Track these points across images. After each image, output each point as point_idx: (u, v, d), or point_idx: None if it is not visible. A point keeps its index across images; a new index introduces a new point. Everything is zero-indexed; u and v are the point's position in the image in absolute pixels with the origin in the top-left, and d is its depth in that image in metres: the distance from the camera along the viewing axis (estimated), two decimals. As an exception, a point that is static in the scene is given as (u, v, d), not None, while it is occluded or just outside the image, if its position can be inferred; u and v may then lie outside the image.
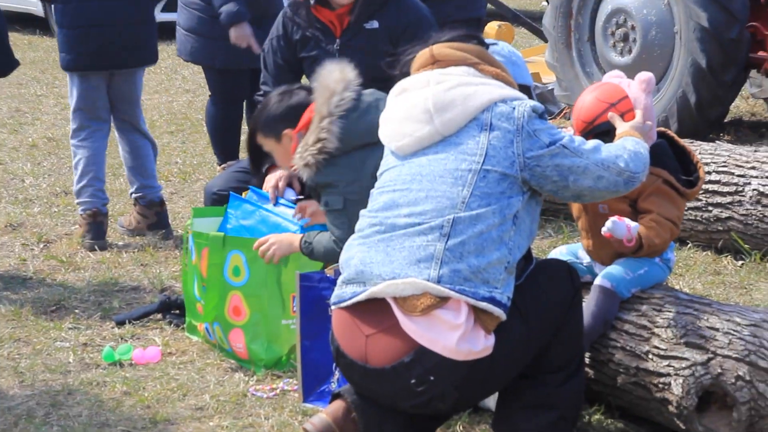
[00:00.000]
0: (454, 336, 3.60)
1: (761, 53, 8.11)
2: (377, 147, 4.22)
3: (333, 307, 3.83)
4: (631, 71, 4.78)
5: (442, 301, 3.61)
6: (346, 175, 4.52)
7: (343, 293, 3.78)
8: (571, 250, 4.71)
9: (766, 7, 8.05)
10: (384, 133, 3.92)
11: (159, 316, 5.49)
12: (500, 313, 3.65)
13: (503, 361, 3.69)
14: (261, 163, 5.02)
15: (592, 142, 3.91)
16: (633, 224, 4.32)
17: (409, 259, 3.65)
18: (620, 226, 4.29)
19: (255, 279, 4.90)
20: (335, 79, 4.55)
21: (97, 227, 6.61)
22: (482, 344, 3.63)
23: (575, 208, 4.57)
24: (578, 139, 3.88)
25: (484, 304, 3.61)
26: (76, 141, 6.84)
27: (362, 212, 3.88)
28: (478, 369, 3.65)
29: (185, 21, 7.40)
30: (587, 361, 4.39)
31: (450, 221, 3.66)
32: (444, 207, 3.67)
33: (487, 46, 3.98)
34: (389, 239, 3.71)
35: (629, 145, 3.95)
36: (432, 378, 3.63)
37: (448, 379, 3.64)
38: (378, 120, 4.09)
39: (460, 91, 3.77)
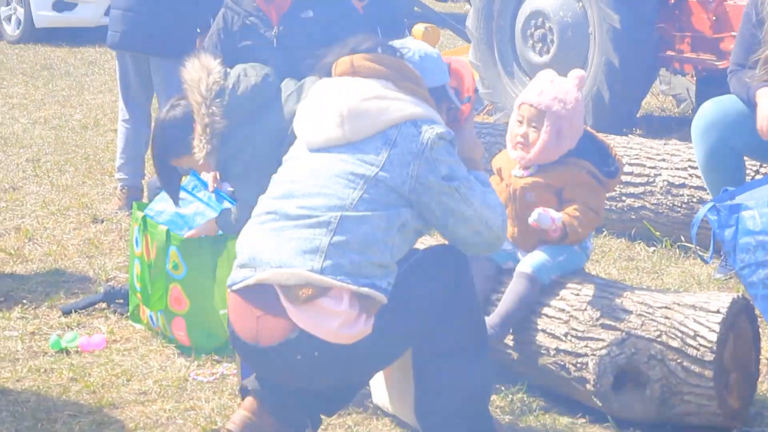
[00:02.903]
0: (336, 322, 3.61)
1: (670, 52, 8.16)
2: (268, 107, 4.43)
3: (228, 290, 3.82)
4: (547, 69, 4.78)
5: (325, 290, 3.61)
6: (245, 142, 4.55)
7: (235, 277, 3.78)
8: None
9: (675, 9, 8.11)
10: (298, 123, 3.90)
11: (104, 305, 5.43)
12: (381, 297, 3.64)
13: (384, 340, 3.69)
14: (177, 185, 4.91)
15: (490, 198, 3.80)
16: (557, 215, 4.33)
17: (297, 249, 3.65)
18: (545, 217, 4.31)
19: (192, 273, 4.87)
20: (197, 68, 4.61)
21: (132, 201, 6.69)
22: (360, 326, 3.63)
23: (502, 197, 4.55)
24: (478, 187, 3.77)
25: (365, 290, 3.61)
26: (119, 120, 7.17)
27: (261, 197, 3.87)
28: (360, 347, 3.65)
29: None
30: (510, 343, 4.40)
31: (337, 218, 3.65)
32: (334, 205, 3.66)
33: (401, 54, 3.92)
34: (281, 228, 3.71)
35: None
36: (316, 353, 3.63)
37: (331, 354, 3.64)
38: (254, 88, 4.43)
39: (375, 104, 3.74)
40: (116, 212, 6.94)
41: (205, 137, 4.52)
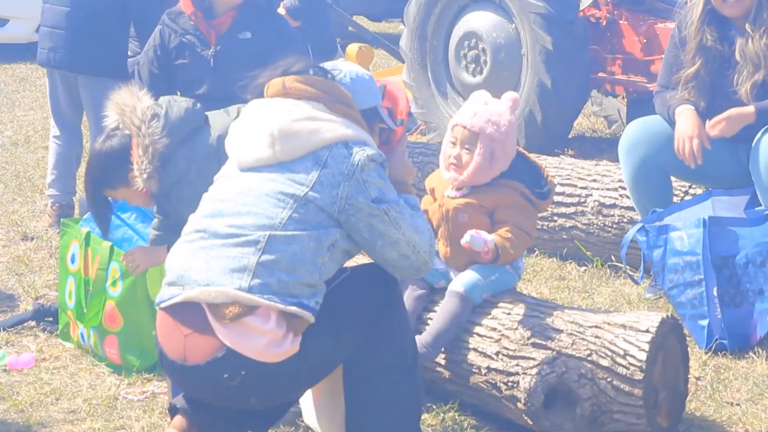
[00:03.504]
0: (263, 341, 3.60)
1: (601, 74, 8.23)
2: (201, 129, 4.48)
3: (157, 308, 3.80)
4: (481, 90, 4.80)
5: (252, 309, 3.60)
6: (186, 163, 4.50)
7: (164, 295, 3.76)
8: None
9: (607, 31, 8.18)
10: (229, 143, 3.89)
11: (33, 323, 5.37)
12: (309, 316, 3.64)
13: (312, 359, 3.69)
14: (108, 216, 4.79)
15: (419, 222, 3.82)
16: (489, 237, 4.35)
17: (225, 268, 3.64)
18: (478, 239, 4.33)
19: (127, 292, 4.84)
20: (126, 95, 4.55)
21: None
22: (288, 345, 3.63)
23: (435, 217, 4.57)
24: (407, 211, 3.79)
25: (292, 309, 3.61)
26: (50, 136, 7.14)
27: (191, 216, 3.85)
28: (287, 366, 3.65)
29: None
30: (442, 361, 4.40)
31: (266, 237, 3.64)
32: (263, 224, 3.66)
33: (332, 75, 3.92)
34: (210, 247, 3.70)
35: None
36: (243, 372, 3.62)
37: (258, 373, 3.63)
38: (187, 111, 4.49)
39: (306, 125, 3.75)
40: (47, 229, 6.87)
41: (147, 159, 4.45)
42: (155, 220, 4.85)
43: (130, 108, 4.49)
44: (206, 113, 4.67)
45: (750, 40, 5.27)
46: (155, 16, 5.98)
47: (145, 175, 4.45)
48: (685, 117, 5.32)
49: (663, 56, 5.86)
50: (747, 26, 5.29)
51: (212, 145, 4.53)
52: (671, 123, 5.41)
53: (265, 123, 3.77)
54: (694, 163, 5.27)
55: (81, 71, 6.77)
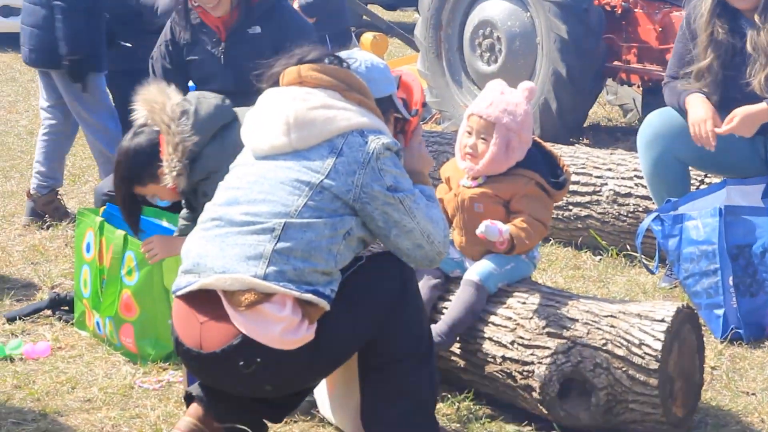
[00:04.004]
0: (278, 328, 3.60)
1: (617, 63, 8.22)
2: (230, 126, 4.45)
3: (173, 296, 3.80)
4: (497, 79, 4.79)
5: (267, 296, 3.61)
6: (216, 161, 4.47)
7: (180, 282, 3.77)
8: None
9: (622, 20, 8.17)
10: (245, 132, 3.90)
11: (49, 312, 5.38)
12: (324, 304, 3.64)
13: (327, 347, 3.69)
14: (138, 215, 4.77)
15: (434, 213, 3.82)
16: (505, 227, 4.34)
17: (241, 255, 3.65)
18: (493, 229, 4.32)
19: (143, 281, 4.85)
20: (155, 92, 4.51)
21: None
22: (303, 332, 3.63)
23: (450, 206, 4.57)
24: (423, 201, 3.80)
25: (308, 296, 3.61)
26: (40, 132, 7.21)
27: (207, 204, 3.86)
28: (302, 353, 3.65)
29: None
30: (457, 351, 4.40)
31: (282, 225, 3.65)
32: (278, 212, 3.66)
33: (347, 64, 3.92)
34: (225, 235, 3.70)
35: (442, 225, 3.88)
36: (259, 360, 3.62)
37: (274, 361, 3.64)
38: (216, 108, 4.49)
39: (322, 113, 3.75)
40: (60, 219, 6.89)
41: (176, 156, 4.43)
42: (184, 210, 4.86)
43: (160, 105, 4.46)
44: (235, 109, 4.65)
45: (761, 32, 5.25)
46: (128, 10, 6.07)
47: (174, 173, 4.44)
48: (696, 103, 5.31)
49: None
50: (756, 17, 5.26)
51: (241, 146, 4.53)
52: (682, 112, 5.39)
53: (280, 111, 3.78)
54: (713, 146, 5.25)
55: (56, 68, 6.82)
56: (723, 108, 5.29)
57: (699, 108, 5.28)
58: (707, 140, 5.24)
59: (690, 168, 5.63)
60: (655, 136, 5.52)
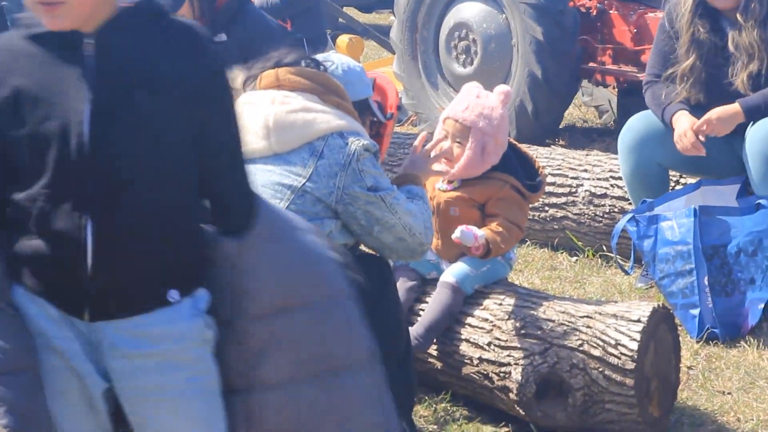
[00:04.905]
0: None
1: (592, 64, 8.24)
2: None
3: None
4: (472, 81, 4.81)
5: None
6: None
7: None
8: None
9: (597, 21, 8.19)
10: None
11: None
12: None
13: None
14: None
15: (413, 206, 3.85)
16: (480, 233, 4.35)
17: None
18: (468, 235, 4.33)
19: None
20: None
21: None
22: None
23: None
24: (402, 197, 3.83)
25: None
26: None
27: None
28: None
29: None
30: (434, 352, 4.41)
31: None
32: None
33: (324, 67, 3.93)
34: None
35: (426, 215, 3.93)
36: None
37: None
38: None
39: (301, 116, 3.75)
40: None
41: None
42: None
43: None
44: None
45: (742, 31, 5.28)
46: None
47: None
48: (682, 121, 5.34)
49: (652, 46, 5.87)
50: (738, 16, 5.29)
51: None
52: (665, 123, 5.43)
53: (260, 115, 3.78)
54: (703, 151, 5.29)
55: None
56: (707, 108, 5.32)
57: (685, 124, 5.32)
58: (695, 150, 5.28)
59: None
60: (638, 141, 5.54)
